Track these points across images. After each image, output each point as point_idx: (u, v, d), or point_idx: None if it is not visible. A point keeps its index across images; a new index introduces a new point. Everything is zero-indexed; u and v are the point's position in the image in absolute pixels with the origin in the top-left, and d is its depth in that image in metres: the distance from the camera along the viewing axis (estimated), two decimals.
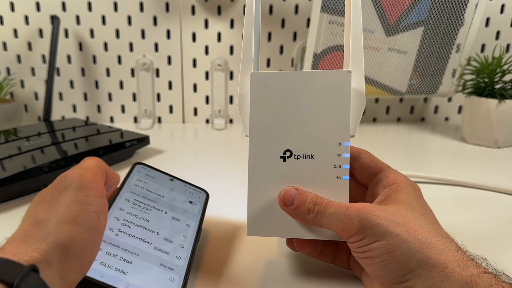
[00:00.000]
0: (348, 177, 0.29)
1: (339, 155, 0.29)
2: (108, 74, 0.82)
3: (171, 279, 0.27)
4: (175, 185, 0.37)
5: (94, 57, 0.80)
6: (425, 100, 0.85)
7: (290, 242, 0.32)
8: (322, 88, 0.29)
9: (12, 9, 0.77)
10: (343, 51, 0.69)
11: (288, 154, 0.29)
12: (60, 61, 0.80)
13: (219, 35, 0.79)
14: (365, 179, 0.32)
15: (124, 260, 0.27)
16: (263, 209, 0.29)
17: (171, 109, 0.84)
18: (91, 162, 0.28)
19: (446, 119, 0.86)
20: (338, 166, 0.29)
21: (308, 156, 0.29)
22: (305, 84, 0.29)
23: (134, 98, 0.83)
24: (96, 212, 0.24)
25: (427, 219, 0.27)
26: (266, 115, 0.30)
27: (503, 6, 0.77)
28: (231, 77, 0.82)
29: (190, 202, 0.36)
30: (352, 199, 0.29)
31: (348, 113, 0.29)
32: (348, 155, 0.29)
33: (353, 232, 0.26)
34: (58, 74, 0.81)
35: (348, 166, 0.29)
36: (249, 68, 0.31)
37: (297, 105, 0.29)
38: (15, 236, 0.23)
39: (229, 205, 0.44)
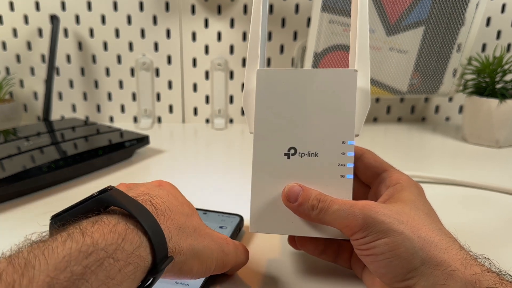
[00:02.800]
0: (352, 176, 0.29)
1: (343, 153, 0.29)
2: (107, 73, 0.81)
3: None
4: (208, 217, 0.39)
5: (93, 57, 0.80)
6: (426, 100, 0.85)
7: (292, 240, 0.32)
8: (327, 87, 0.29)
9: (12, 8, 0.77)
10: (343, 50, 0.69)
11: (292, 151, 0.29)
12: (60, 60, 0.80)
13: (219, 34, 0.79)
14: (368, 178, 0.32)
15: None
16: (267, 206, 0.29)
17: (171, 108, 0.84)
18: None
19: (447, 119, 0.86)
20: (342, 165, 0.29)
21: (312, 154, 0.29)
22: (311, 82, 0.29)
23: (134, 98, 0.83)
24: (219, 266, 0.28)
25: (431, 218, 0.27)
26: (271, 112, 0.30)
27: (504, 5, 0.76)
28: (231, 77, 0.82)
29: (221, 227, 0.37)
30: (355, 198, 0.29)
31: (353, 112, 0.29)
32: (352, 153, 0.29)
33: (356, 229, 0.25)
34: (58, 73, 0.81)
35: (352, 165, 0.29)
36: (255, 65, 0.31)
37: (303, 103, 0.29)
38: (180, 221, 0.26)
39: (230, 204, 0.44)
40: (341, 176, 0.29)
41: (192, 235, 0.26)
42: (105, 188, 0.24)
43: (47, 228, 0.23)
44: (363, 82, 0.30)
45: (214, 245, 0.27)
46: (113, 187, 0.25)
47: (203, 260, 0.26)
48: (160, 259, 0.22)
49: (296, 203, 0.28)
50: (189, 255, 0.25)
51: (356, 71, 0.29)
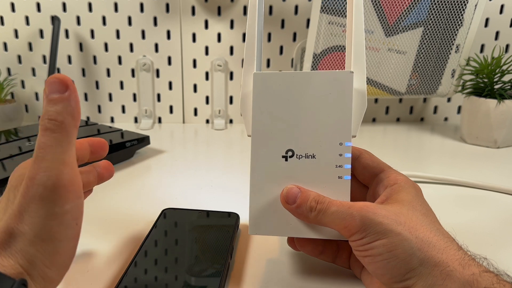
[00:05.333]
0: (349, 177, 0.29)
1: (340, 155, 0.29)
2: (108, 74, 0.82)
3: None
4: (201, 215, 0.39)
5: (94, 58, 0.81)
6: (425, 100, 0.85)
7: (291, 241, 0.32)
8: (324, 88, 0.29)
9: (13, 9, 0.77)
10: (342, 51, 0.69)
11: (290, 153, 0.30)
12: (61, 61, 0.80)
13: (219, 35, 0.79)
14: (366, 179, 0.32)
15: None
16: (265, 208, 0.30)
17: (171, 109, 0.84)
18: (65, 146, 0.23)
19: (446, 119, 0.86)
20: (339, 166, 0.29)
21: (310, 156, 0.29)
22: (307, 84, 0.30)
23: (135, 99, 0.83)
24: (73, 219, 0.23)
25: (429, 219, 0.27)
26: (268, 115, 0.30)
27: (502, 6, 0.77)
28: (231, 78, 0.82)
29: None
30: (353, 199, 0.29)
31: (350, 113, 0.29)
32: (349, 155, 0.29)
33: (355, 230, 0.26)
34: None
35: (349, 166, 0.29)
36: (252, 68, 0.31)
37: (299, 105, 0.30)
38: None
39: (230, 204, 0.44)
40: (339, 177, 0.29)
41: (16, 234, 0.21)
42: None
43: None
44: (359, 83, 0.30)
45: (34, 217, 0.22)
46: None
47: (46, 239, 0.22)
48: None
49: (295, 205, 0.28)
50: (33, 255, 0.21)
51: (352, 72, 0.29)
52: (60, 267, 0.23)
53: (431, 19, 0.67)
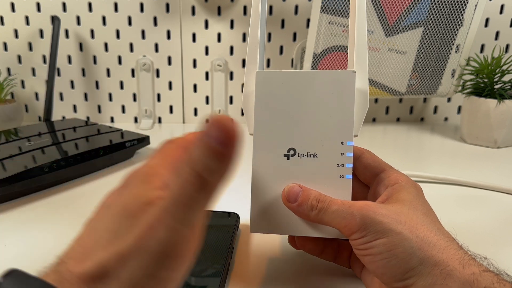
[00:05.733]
0: (351, 176, 0.29)
1: (342, 154, 0.29)
2: (108, 74, 0.82)
3: None
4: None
5: (94, 58, 0.80)
6: (425, 100, 0.85)
7: (292, 239, 0.32)
8: (326, 88, 0.29)
9: (13, 9, 0.77)
10: (342, 51, 0.69)
11: (292, 152, 0.30)
12: (61, 61, 0.80)
13: (219, 35, 0.79)
14: (367, 178, 0.32)
15: None
16: (267, 207, 0.30)
17: (171, 109, 0.84)
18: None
19: (446, 119, 0.86)
20: (341, 165, 0.29)
21: (311, 155, 0.29)
22: (310, 83, 0.30)
23: (135, 98, 0.83)
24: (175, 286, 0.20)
25: (429, 218, 0.27)
26: (270, 114, 0.30)
27: (502, 6, 0.77)
28: (231, 78, 0.82)
29: None
30: (354, 199, 0.29)
31: (352, 112, 0.29)
32: (351, 154, 0.29)
33: (355, 229, 0.26)
34: (59, 74, 0.81)
35: (351, 165, 0.29)
36: (254, 67, 0.32)
37: (302, 104, 0.30)
38: (83, 268, 0.18)
39: (230, 204, 0.44)
40: (340, 176, 0.29)
41: (109, 276, 0.18)
42: (8, 271, 0.18)
43: None
44: (361, 83, 0.30)
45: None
46: (13, 270, 0.18)
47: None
48: None
49: (296, 203, 0.28)
50: None
51: (355, 72, 0.29)
52: None
53: (431, 19, 0.67)
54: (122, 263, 0.18)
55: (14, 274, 0.17)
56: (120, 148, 0.58)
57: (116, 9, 0.77)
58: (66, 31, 0.78)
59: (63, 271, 0.18)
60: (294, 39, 0.80)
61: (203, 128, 0.18)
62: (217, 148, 0.18)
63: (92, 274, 0.17)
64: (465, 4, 0.66)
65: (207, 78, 0.82)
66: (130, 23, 0.78)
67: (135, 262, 0.18)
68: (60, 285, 0.17)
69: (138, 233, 0.18)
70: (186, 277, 0.20)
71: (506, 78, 0.67)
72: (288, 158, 0.30)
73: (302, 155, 0.29)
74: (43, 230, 0.39)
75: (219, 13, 0.78)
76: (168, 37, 0.79)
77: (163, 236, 0.18)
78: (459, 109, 0.85)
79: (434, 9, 0.66)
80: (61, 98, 0.83)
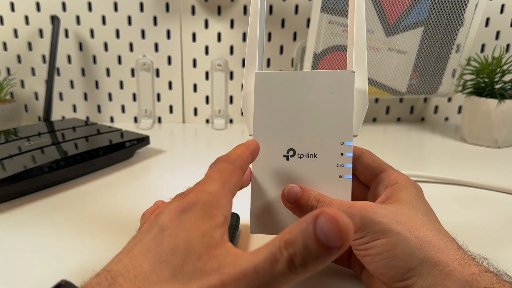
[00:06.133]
0: (350, 176, 0.29)
1: (342, 154, 0.29)
2: (108, 74, 0.82)
3: None
4: None
5: (94, 57, 0.80)
6: (425, 100, 0.85)
7: None
8: (325, 88, 0.29)
9: (12, 9, 0.77)
10: (343, 51, 0.69)
11: (291, 153, 0.30)
12: (60, 61, 0.80)
13: (219, 35, 0.79)
14: (367, 178, 0.32)
15: None
16: (267, 207, 0.30)
17: (171, 109, 0.84)
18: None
19: (446, 119, 0.86)
20: (341, 165, 0.29)
21: (311, 155, 0.29)
22: (309, 83, 0.29)
23: (134, 98, 0.83)
24: None
25: (429, 218, 0.27)
26: (269, 114, 0.30)
27: (503, 6, 0.77)
28: (231, 77, 0.82)
29: None
30: (354, 199, 0.29)
31: (351, 112, 0.29)
32: (350, 154, 0.29)
33: (354, 229, 0.26)
34: (58, 74, 0.81)
35: (350, 165, 0.29)
36: (253, 67, 0.31)
37: (301, 105, 0.29)
38: None
39: None
40: (340, 176, 0.29)
41: None
42: (58, 283, 0.18)
43: None
44: (360, 83, 0.30)
45: None
46: (66, 282, 0.18)
47: None
48: None
49: (296, 204, 0.28)
50: None
51: (354, 72, 0.29)
52: None
53: (431, 18, 0.67)
54: None
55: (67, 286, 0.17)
56: (120, 148, 0.57)
57: (116, 9, 0.77)
58: (66, 31, 0.78)
59: None
60: (294, 38, 0.79)
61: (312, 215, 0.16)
62: (324, 244, 0.15)
63: None
64: (465, 4, 0.66)
65: (207, 78, 0.82)
66: (130, 23, 0.78)
67: None
68: None
69: (206, 285, 0.17)
70: None
71: (507, 78, 0.67)
72: (287, 159, 0.30)
73: (302, 156, 0.29)
74: (43, 230, 0.39)
75: (219, 13, 0.78)
76: (168, 36, 0.79)
77: None
78: (460, 109, 0.85)
79: (434, 8, 0.66)
80: (61, 98, 0.83)
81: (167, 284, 0.17)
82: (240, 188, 0.25)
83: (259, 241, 0.37)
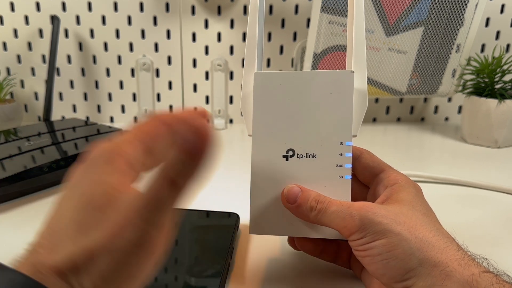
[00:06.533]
0: (350, 176, 0.29)
1: (341, 154, 0.29)
2: (108, 74, 0.82)
3: None
4: (201, 215, 0.39)
5: (94, 57, 0.80)
6: (425, 100, 0.85)
7: (291, 240, 0.32)
8: (324, 88, 0.29)
9: (12, 9, 0.77)
10: (343, 51, 0.69)
11: (290, 153, 0.30)
12: (60, 61, 0.80)
13: (219, 35, 0.79)
14: (367, 179, 0.32)
15: None
16: (266, 208, 0.30)
17: (171, 109, 0.84)
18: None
19: (446, 119, 0.86)
20: (340, 166, 0.29)
21: (310, 156, 0.29)
22: (308, 84, 0.29)
23: (134, 98, 0.83)
24: (146, 279, 0.20)
25: (428, 219, 0.27)
26: (269, 115, 0.30)
27: (503, 6, 0.77)
28: (231, 77, 0.82)
29: None
30: (353, 199, 0.29)
31: (350, 113, 0.29)
32: (350, 154, 0.29)
33: (354, 230, 0.26)
34: (58, 74, 0.81)
35: (350, 166, 0.29)
36: (253, 68, 0.31)
37: (300, 105, 0.29)
38: (56, 259, 0.18)
39: (230, 204, 0.44)
40: (340, 177, 0.29)
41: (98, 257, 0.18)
42: None
43: None
44: (360, 83, 0.30)
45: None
46: None
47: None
48: None
49: (295, 204, 0.28)
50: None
51: (353, 72, 0.29)
52: None
53: (431, 18, 0.67)
54: (91, 260, 0.18)
55: None
56: None
57: (115, 9, 0.77)
58: (66, 31, 0.78)
59: (36, 263, 0.18)
60: (294, 38, 0.79)
61: (175, 117, 0.19)
62: (188, 150, 0.18)
63: (63, 267, 0.18)
64: (465, 4, 0.66)
65: (207, 78, 0.82)
66: (129, 23, 0.78)
67: (104, 259, 0.18)
68: (35, 276, 0.17)
69: (106, 231, 0.18)
70: (155, 272, 0.20)
71: (507, 78, 0.67)
72: (287, 159, 0.30)
73: (301, 156, 0.29)
74: None
75: (219, 13, 0.78)
76: (168, 36, 0.79)
77: (131, 236, 0.18)
78: (460, 109, 0.85)
79: (434, 8, 0.66)
80: (61, 98, 0.83)
81: (74, 241, 0.18)
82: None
83: (260, 241, 0.37)
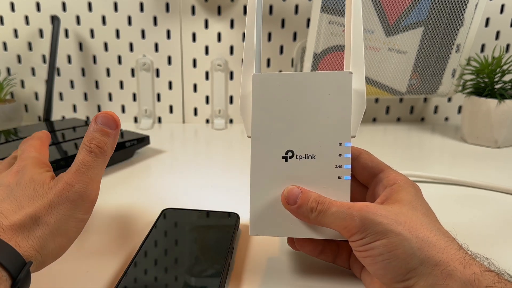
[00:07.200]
0: (349, 177, 0.29)
1: (340, 155, 0.29)
2: (108, 74, 0.82)
3: None
4: (201, 215, 0.39)
5: (94, 57, 0.80)
6: (425, 100, 0.85)
7: (291, 241, 0.32)
8: (323, 89, 0.29)
9: (12, 9, 0.77)
10: (343, 51, 0.69)
11: (290, 154, 0.30)
12: (60, 61, 0.80)
13: (219, 35, 0.79)
14: (366, 179, 0.32)
15: None
16: (266, 209, 0.30)
17: (171, 109, 0.84)
18: (100, 169, 0.29)
19: (446, 119, 0.86)
20: (339, 166, 0.29)
21: (309, 156, 0.29)
22: (307, 85, 0.30)
23: (134, 98, 0.83)
24: (83, 227, 0.28)
25: (429, 218, 0.27)
26: (268, 116, 0.30)
27: (503, 6, 0.77)
28: (231, 77, 0.82)
29: None
30: (352, 200, 0.29)
31: (349, 113, 0.29)
32: (349, 155, 0.29)
33: (354, 230, 0.26)
34: (58, 74, 0.81)
35: (349, 166, 0.29)
36: (251, 69, 0.31)
37: (299, 106, 0.29)
38: (13, 220, 0.24)
39: (230, 204, 0.44)
40: (339, 177, 0.29)
41: (40, 222, 0.25)
42: None
43: None
44: (358, 83, 0.30)
45: (65, 210, 0.26)
46: None
47: (64, 234, 0.26)
48: (15, 271, 0.22)
49: (295, 205, 0.28)
50: (46, 244, 0.25)
51: (351, 73, 0.29)
52: (55, 258, 0.27)
53: (431, 18, 0.67)
54: (50, 210, 0.25)
55: None
56: (120, 148, 0.57)
57: (116, 9, 0.77)
58: (66, 31, 0.78)
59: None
60: (294, 38, 0.79)
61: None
62: (106, 130, 0.28)
63: (23, 222, 0.24)
64: (465, 4, 0.66)
65: (207, 78, 0.82)
66: (130, 23, 0.78)
67: (60, 207, 0.26)
68: None
69: (59, 188, 0.26)
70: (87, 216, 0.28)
71: (507, 78, 0.67)
72: (286, 160, 0.30)
73: (300, 157, 0.29)
74: None
75: (219, 13, 0.78)
76: (168, 36, 0.79)
77: (78, 188, 0.26)
78: (460, 109, 0.85)
79: (434, 8, 0.66)
80: (61, 98, 0.83)
81: (31, 204, 0.25)
82: None
83: (259, 241, 0.37)
